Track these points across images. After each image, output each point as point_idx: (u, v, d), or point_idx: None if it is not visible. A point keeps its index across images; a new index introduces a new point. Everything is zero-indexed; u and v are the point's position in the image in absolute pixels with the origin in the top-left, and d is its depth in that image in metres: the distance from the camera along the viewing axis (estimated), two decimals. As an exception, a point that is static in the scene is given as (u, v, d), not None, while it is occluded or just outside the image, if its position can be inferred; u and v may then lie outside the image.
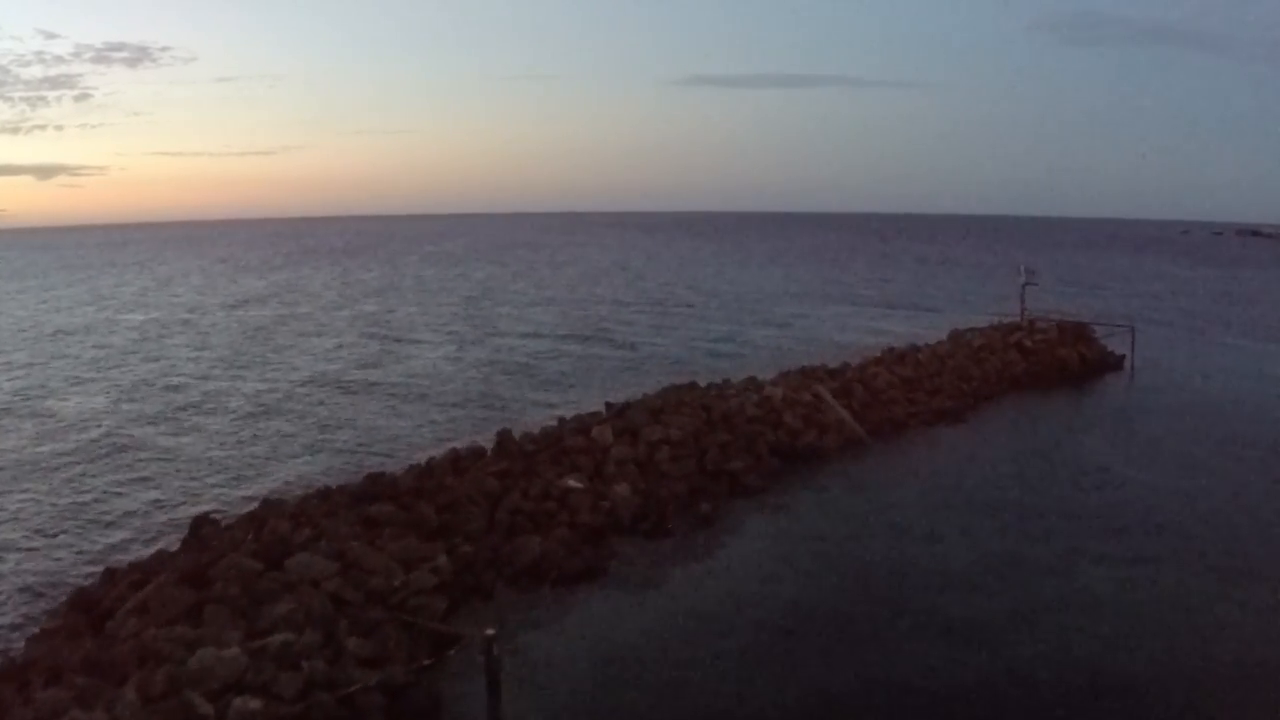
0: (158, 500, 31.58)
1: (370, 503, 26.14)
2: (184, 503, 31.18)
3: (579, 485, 28.44)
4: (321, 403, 46.42)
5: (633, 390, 47.27)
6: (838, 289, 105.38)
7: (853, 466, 35.08)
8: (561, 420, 35.58)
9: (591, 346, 64.12)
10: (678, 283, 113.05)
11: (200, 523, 25.54)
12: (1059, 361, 52.61)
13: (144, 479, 34.09)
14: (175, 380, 53.12)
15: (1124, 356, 56.20)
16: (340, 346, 64.82)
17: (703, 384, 40.89)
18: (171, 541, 26.24)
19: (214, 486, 33.01)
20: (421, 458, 32.43)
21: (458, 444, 33.21)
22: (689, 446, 32.42)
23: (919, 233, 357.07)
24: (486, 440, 35.06)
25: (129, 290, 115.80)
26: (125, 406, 46.54)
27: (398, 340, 68.61)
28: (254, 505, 27.79)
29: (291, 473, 34.60)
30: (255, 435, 40.35)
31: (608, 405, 37.14)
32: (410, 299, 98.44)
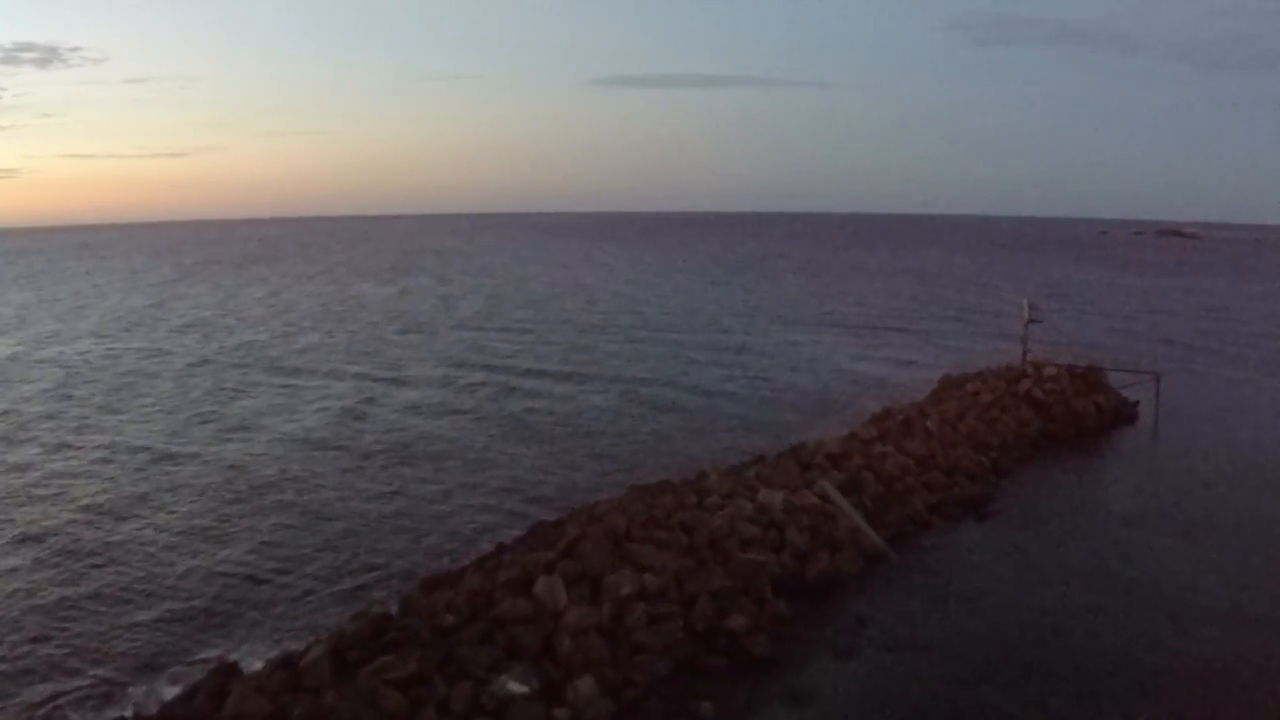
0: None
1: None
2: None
3: (522, 689, 19.42)
4: (237, 502, 36.27)
5: (588, 474, 39.01)
6: (791, 310, 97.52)
7: (880, 603, 26.59)
8: (497, 554, 26.46)
9: (547, 386, 57.30)
10: (628, 304, 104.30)
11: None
12: (1075, 416, 45.14)
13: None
14: (104, 449, 43.60)
15: (1137, 404, 49.06)
16: (286, 396, 55.34)
17: (676, 479, 32.15)
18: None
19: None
20: (299, 637, 23.20)
21: (348, 613, 23.89)
22: (670, 596, 23.59)
23: (843, 234, 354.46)
24: (399, 576, 26.21)
25: (44, 314, 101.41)
26: (37, 495, 36.82)
27: (331, 376, 60.57)
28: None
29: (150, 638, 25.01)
30: (154, 562, 30.39)
31: (549, 526, 28.08)
32: (354, 322, 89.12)
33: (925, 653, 23.92)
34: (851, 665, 23.24)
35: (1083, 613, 26.23)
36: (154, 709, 19.94)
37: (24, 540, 32.14)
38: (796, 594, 26.06)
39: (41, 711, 21.36)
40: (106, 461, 41.71)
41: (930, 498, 33.38)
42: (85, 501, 36.50)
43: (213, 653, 23.74)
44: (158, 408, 52.35)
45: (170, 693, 21.28)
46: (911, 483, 33.62)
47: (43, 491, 37.56)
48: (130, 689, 22.12)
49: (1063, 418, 44.67)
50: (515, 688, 19.36)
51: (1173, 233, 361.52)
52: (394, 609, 23.54)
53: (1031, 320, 50.80)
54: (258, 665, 21.54)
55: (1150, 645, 24.38)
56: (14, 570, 29.63)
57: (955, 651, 24.02)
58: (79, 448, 44.04)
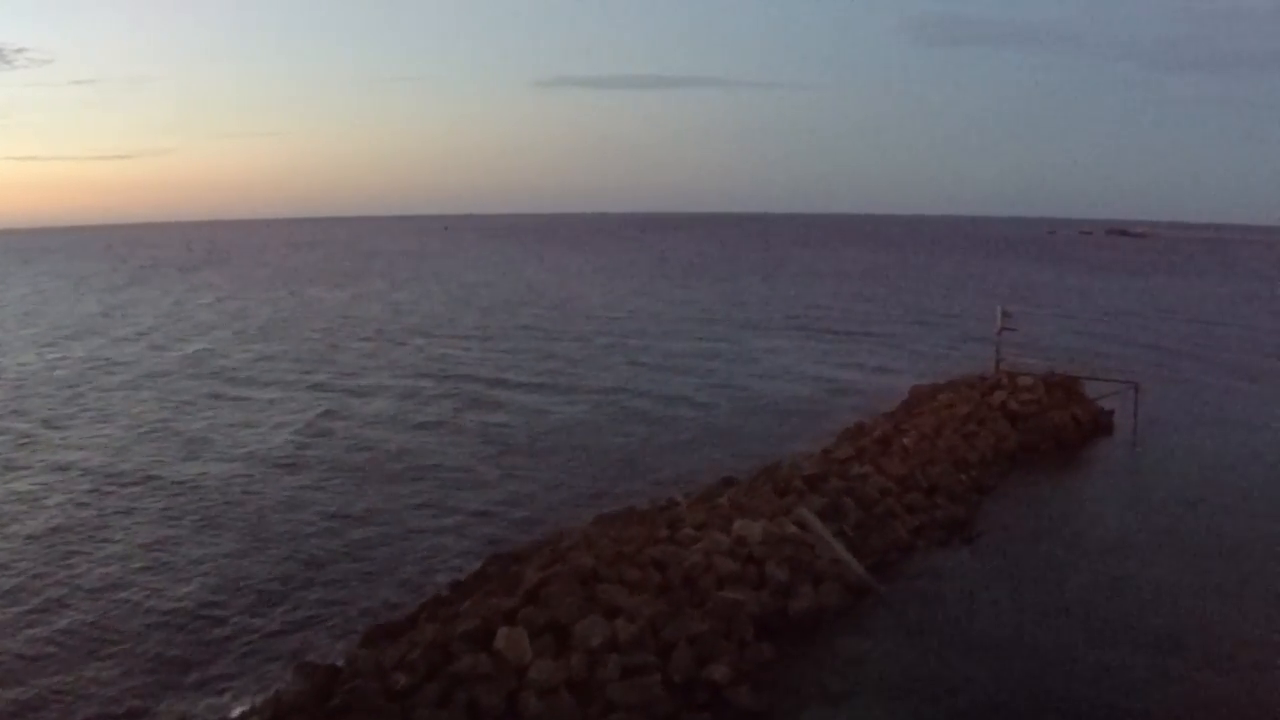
0: None
1: None
2: None
3: (486, 763, 17.39)
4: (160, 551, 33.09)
5: (551, 493, 37.02)
6: (754, 314, 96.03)
7: (870, 641, 24.82)
8: (454, 598, 24.35)
9: (506, 396, 55.41)
10: (586, 309, 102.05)
11: None
12: (1052, 428, 43.89)
13: None
14: (46, 470, 40.78)
15: (1112, 413, 47.90)
16: (237, 410, 52.48)
17: (645, 503, 30.27)
18: None
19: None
20: (240, 694, 20.99)
21: (293, 663, 21.69)
22: (647, 645, 21.62)
23: (801, 235, 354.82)
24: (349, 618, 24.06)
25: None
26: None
27: (283, 388, 58.03)
28: None
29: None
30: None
31: (509, 560, 26.05)
32: (308, 329, 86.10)
33: (920, 696, 22.21)
34: (844, 714, 21.47)
35: (1079, 648, 24.62)
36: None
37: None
38: (780, 634, 24.24)
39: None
40: (46, 485, 39.01)
41: (912, 521, 31.74)
42: (15, 529, 33.89)
43: (144, 708, 21.53)
44: (104, 423, 49.57)
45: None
46: (893, 505, 31.97)
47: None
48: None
49: (1040, 431, 43.41)
50: (477, 762, 17.32)
51: (1121, 232, 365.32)
52: (340, 661, 21.43)
53: (1005, 329, 49.46)
54: (188, 734, 19.35)
55: (1153, 682, 22.88)
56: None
57: (951, 694, 22.32)
58: (21, 468, 41.44)
